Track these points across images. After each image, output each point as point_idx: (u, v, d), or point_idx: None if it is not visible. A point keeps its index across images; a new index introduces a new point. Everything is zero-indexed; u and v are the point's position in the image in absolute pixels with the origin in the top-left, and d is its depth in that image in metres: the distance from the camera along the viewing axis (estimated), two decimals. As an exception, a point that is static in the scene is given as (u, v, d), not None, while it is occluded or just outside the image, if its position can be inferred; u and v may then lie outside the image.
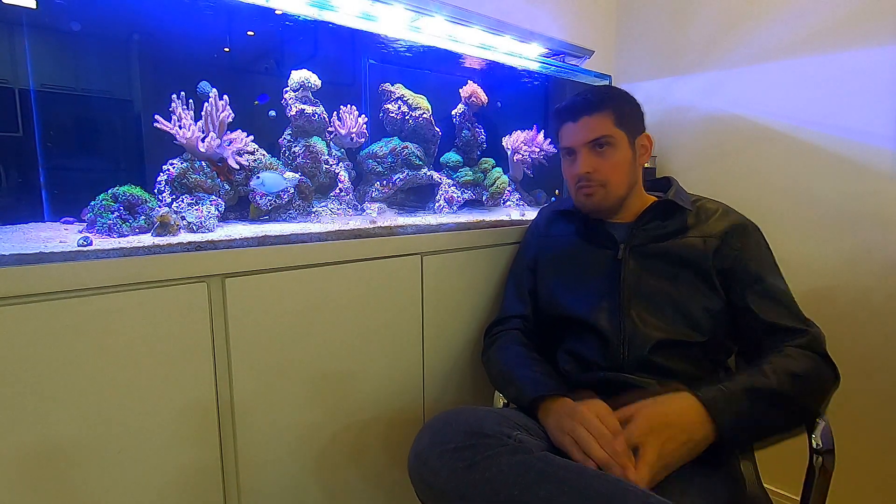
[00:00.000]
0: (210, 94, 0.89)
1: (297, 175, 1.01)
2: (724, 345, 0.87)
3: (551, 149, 1.39)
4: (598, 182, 0.91)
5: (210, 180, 0.90)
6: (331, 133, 1.12)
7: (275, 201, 0.97)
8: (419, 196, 1.30)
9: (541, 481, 0.60)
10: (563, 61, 1.39)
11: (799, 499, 0.79)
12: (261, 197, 0.96)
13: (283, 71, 1.08)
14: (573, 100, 0.93)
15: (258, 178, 0.93)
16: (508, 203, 1.39)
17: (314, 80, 1.04)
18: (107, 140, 0.98)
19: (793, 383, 0.73)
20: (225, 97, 0.90)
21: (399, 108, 1.21)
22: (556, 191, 1.50)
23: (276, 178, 0.94)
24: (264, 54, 1.14)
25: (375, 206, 1.14)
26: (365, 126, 1.15)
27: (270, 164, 0.98)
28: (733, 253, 0.86)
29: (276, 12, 0.93)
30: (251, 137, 0.96)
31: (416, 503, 0.70)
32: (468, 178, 1.31)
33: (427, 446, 0.67)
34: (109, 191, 0.80)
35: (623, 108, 0.92)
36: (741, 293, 0.85)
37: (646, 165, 0.98)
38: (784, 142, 1.34)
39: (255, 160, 0.97)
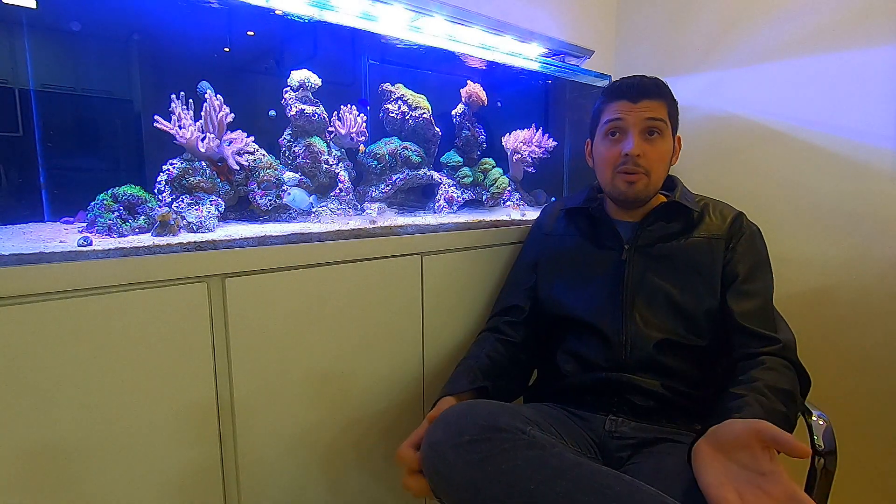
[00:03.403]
0: (206, 94, 0.88)
1: (296, 175, 1.01)
2: (724, 347, 0.87)
3: (551, 143, 1.39)
4: (643, 169, 0.88)
5: (210, 180, 0.90)
6: (331, 133, 1.12)
7: (275, 201, 0.97)
8: (419, 196, 1.30)
9: (557, 477, 0.59)
10: (563, 61, 1.38)
11: (800, 499, 0.79)
12: (261, 196, 0.96)
13: (283, 71, 1.07)
14: (633, 80, 0.91)
15: (289, 194, 0.97)
16: (508, 203, 1.39)
17: (314, 79, 1.04)
18: (107, 140, 0.98)
19: (785, 400, 0.71)
20: (219, 97, 0.90)
21: (399, 107, 1.21)
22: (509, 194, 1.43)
23: (303, 196, 0.98)
24: (264, 54, 1.14)
25: (375, 206, 1.14)
26: (365, 126, 1.14)
27: (270, 163, 0.98)
28: (731, 253, 0.87)
29: (276, 12, 0.93)
30: (252, 138, 0.96)
31: (418, 501, 0.69)
32: (468, 178, 1.30)
33: (441, 439, 0.66)
34: (109, 191, 0.80)
35: (673, 102, 0.92)
36: (724, 290, 0.86)
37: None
38: (784, 142, 1.33)
39: (255, 160, 0.97)
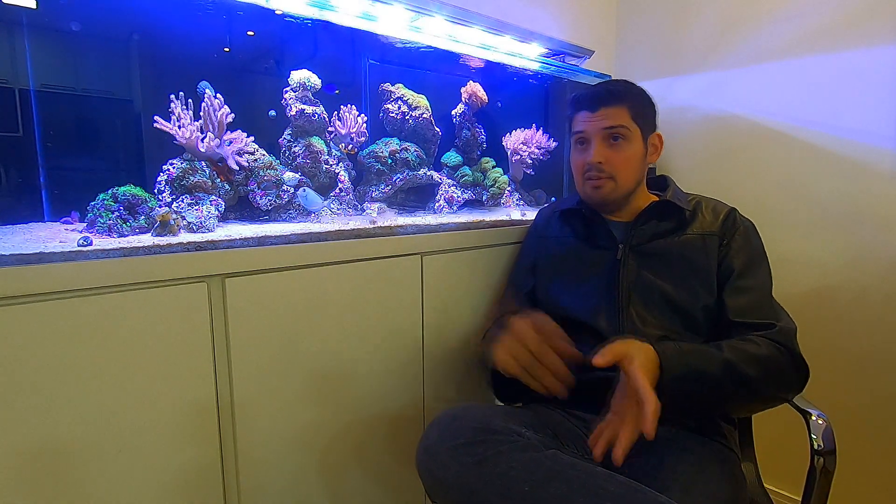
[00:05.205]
0: (205, 94, 0.88)
1: (296, 175, 1.01)
2: None
3: (551, 144, 1.39)
4: (607, 174, 0.90)
5: (210, 180, 0.90)
6: (331, 133, 1.12)
7: (275, 201, 0.97)
8: (419, 196, 1.30)
9: (551, 479, 0.60)
10: (563, 61, 1.38)
11: (800, 499, 0.79)
12: (261, 196, 0.96)
13: (283, 71, 1.07)
14: (593, 89, 0.92)
15: (304, 191, 0.96)
16: (508, 203, 1.39)
17: (314, 80, 1.04)
18: (107, 140, 0.98)
19: (746, 360, 0.73)
20: (219, 96, 0.90)
21: (399, 107, 1.21)
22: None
23: (316, 198, 0.98)
24: (264, 54, 1.14)
25: (375, 206, 1.14)
26: (365, 126, 1.14)
27: (270, 163, 0.98)
28: (725, 249, 0.88)
29: (276, 12, 0.93)
30: (251, 138, 0.96)
31: (418, 501, 0.70)
32: (468, 178, 1.30)
33: (436, 441, 0.67)
34: (109, 191, 0.80)
35: (640, 104, 0.92)
36: (720, 287, 0.86)
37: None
38: (784, 142, 1.33)
39: (255, 160, 0.97)
